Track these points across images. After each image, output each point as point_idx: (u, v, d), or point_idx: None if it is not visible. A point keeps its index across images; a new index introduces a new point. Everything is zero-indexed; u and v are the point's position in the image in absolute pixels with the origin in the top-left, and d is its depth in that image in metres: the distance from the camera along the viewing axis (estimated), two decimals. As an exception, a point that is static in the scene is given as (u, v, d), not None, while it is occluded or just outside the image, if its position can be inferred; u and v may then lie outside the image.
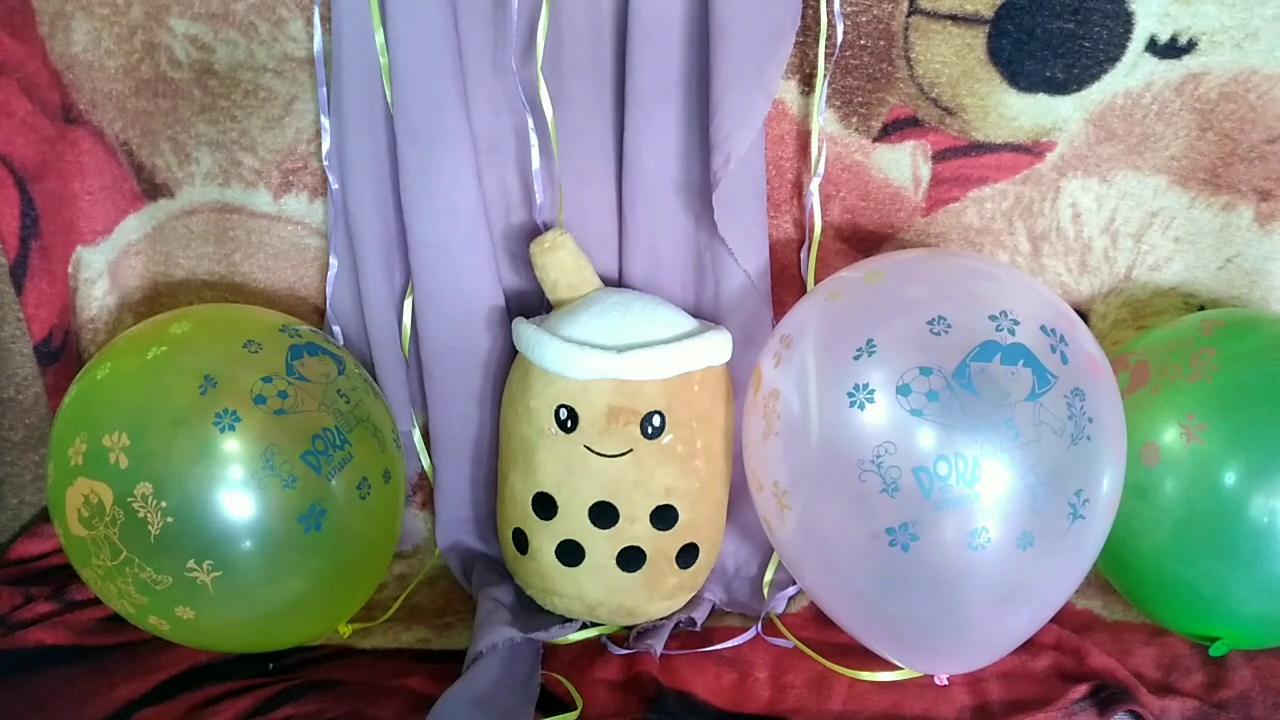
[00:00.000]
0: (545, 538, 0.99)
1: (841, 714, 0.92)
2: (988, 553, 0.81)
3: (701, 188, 1.03)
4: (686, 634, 1.03)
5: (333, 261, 1.10)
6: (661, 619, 1.04)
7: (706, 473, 1.00)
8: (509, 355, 1.06)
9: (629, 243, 1.07)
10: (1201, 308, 1.08)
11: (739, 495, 1.05)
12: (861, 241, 1.09)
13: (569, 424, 0.97)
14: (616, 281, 1.09)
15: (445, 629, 1.06)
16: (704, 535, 1.02)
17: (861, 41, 1.03)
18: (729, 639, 1.02)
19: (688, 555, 1.01)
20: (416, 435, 1.13)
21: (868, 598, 0.88)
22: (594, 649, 1.02)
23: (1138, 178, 1.06)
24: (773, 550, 1.07)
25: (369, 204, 1.05)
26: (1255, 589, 0.91)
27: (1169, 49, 1.01)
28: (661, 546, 0.99)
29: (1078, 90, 1.03)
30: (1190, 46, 1.01)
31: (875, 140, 1.06)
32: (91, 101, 1.09)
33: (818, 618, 1.04)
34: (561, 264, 1.02)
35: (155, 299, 1.15)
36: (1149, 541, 0.94)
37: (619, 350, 0.95)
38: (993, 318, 0.83)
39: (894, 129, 1.05)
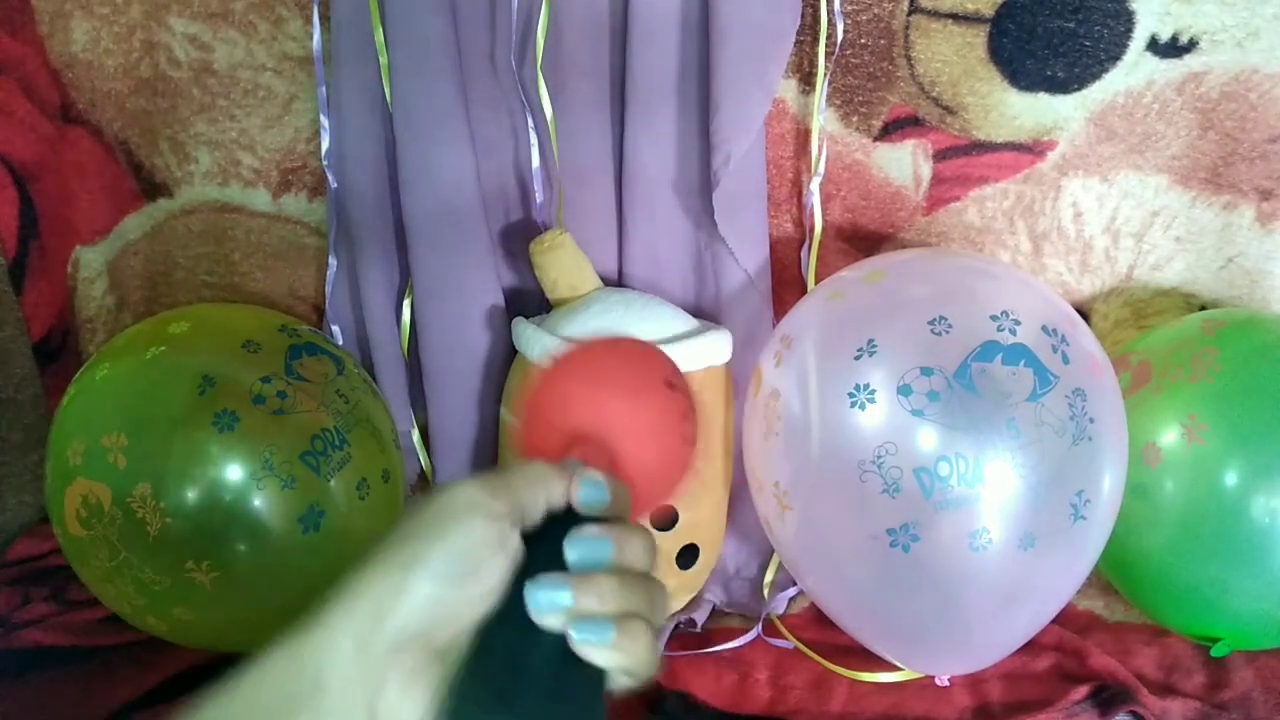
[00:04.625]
0: (545, 538, 0.99)
1: (842, 715, 0.91)
2: (989, 553, 0.81)
3: (701, 188, 1.03)
4: (687, 635, 1.03)
5: (332, 261, 1.09)
6: (661, 619, 1.03)
7: (706, 473, 1.00)
8: (509, 355, 1.06)
9: (629, 243, 1.06)
10: (1203, 307, 1.08)
11: (739, 495, 1.05)
12: (862, 241, 1.09)
13: (569, 424, 0.96)
14: (616, 281, 1.09)
15: (445, 629, 1.05)
16: (704, 536, 1.02)
17: (862, 40, 1.02)
18: (729, 640, 1.02)
19: (688, 556, 1.01)
20: (416, 435, 1.13)
21: (868, 598, 0.88)
22: (594, 650, 1.02)
23: (1139, 177, 1.05)
24: (773, 551, 1.07)
25: (368, 203, 1.05)
26: (1257, 589, 0.90)
27: (1170, 48, 1.01)
28: (662, 547, 0.99)
29: (1079, 89, 1.02)
30: (1191, 46, 1.01)
31: (876, 139, 1.06)
32: (90, 101, 1.08)
33: (818, 619, 1.04)
34: (561, 264, 1.01)
35: (154, 299, 1.15)
36: (1150, 542, 0.93)
37: (619, 350, 0.95)
38: (994, 318, 0.83)
39: (894, 128, 1.05)
